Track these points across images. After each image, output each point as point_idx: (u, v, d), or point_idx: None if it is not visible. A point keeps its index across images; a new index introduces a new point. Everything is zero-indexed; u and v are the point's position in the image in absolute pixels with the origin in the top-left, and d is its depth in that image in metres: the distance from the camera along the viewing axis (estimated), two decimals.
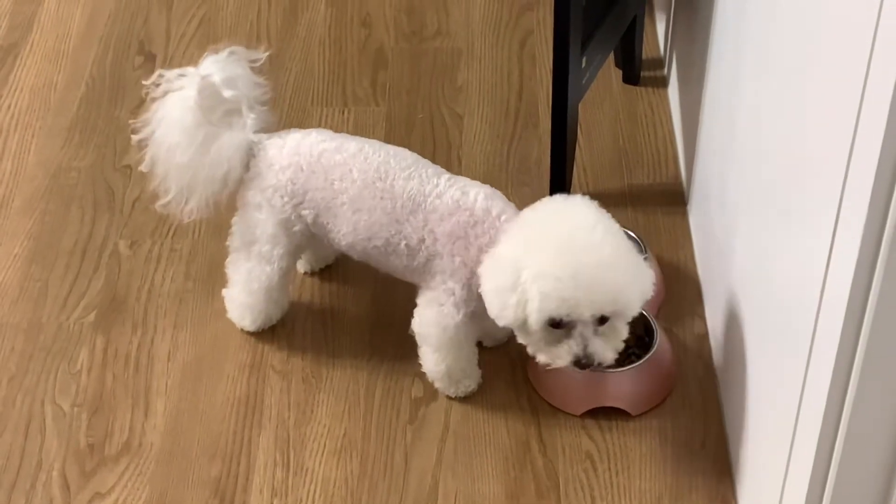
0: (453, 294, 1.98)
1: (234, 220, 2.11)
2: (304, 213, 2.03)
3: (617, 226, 1.91)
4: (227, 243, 2.14)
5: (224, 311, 2.22)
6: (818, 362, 1.53)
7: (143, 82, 2.08)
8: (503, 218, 1.94)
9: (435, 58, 2.78)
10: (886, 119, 1.26)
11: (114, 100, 2.69)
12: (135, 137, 2.08)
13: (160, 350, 2.20)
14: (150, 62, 2.77)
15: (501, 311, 1.87)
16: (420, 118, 2.62)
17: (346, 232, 2.02)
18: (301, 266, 2.30)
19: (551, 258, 1.82)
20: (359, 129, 2.58)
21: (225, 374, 2.16)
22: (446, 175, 2.00)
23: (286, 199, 2.03)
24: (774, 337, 1.77)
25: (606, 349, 1.87)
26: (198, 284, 2.30)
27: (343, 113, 2.64)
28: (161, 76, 2.05)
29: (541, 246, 1.84)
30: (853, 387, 1.47)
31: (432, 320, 2.02)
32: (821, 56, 1.52)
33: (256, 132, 2.06)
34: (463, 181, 1.99)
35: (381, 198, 1.98)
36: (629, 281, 1.86)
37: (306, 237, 2.08)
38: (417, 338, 2.07)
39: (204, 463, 2.03)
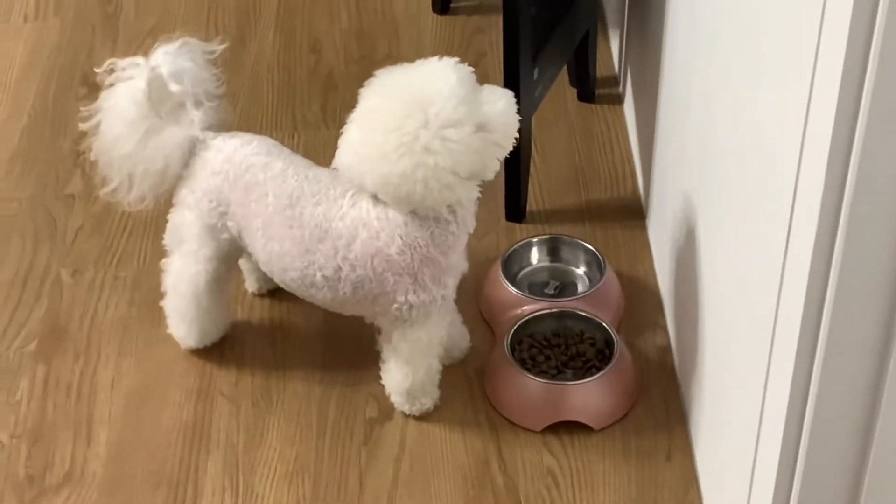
0: (411, 306, 1.89)
1: (169, 216, 2.04)
2: (230, 224, 1.96)
3: None
4: (163, 242, 2.07)
5: (170, 338, 2.14)
6: (777, 371, 1.49)
7: (96, 69, 2.02)
8: (390, 212, 1.85)
9: None
10: (833, 125, 1.25)
11: (57, 130, 2.62)
12: (82, 125, 2.01)
13: (103, 378, 2.11)
14: (94, 93, 2.69)
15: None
16: None
17: (264, 260, 1.95)
18: (249, 286, 2.23)
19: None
20: (309, 152, 2.49)
21: (171, 401, 2.08)
22: (351, 192, 1.89)
23: (213, 204, 1.96)
24: (734, 345, 1.74)
25: None
26: (142, 311, 2.22)
27: (293, 137, 2.59)
28: (112, 64, 1.99)
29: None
30: (812, 396, 1.43)
31: (401, 337, 1.94)
32: (768, 62, 1.51)
33: (205, 128, 1.99)
34: (363, 194, 1.87)
35: (291, 226, 1.89)
36: None
37: (235, 247, 2.00)
38: (385, 353, 1.99)
39: (149, 491, 1.94)
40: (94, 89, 2.70)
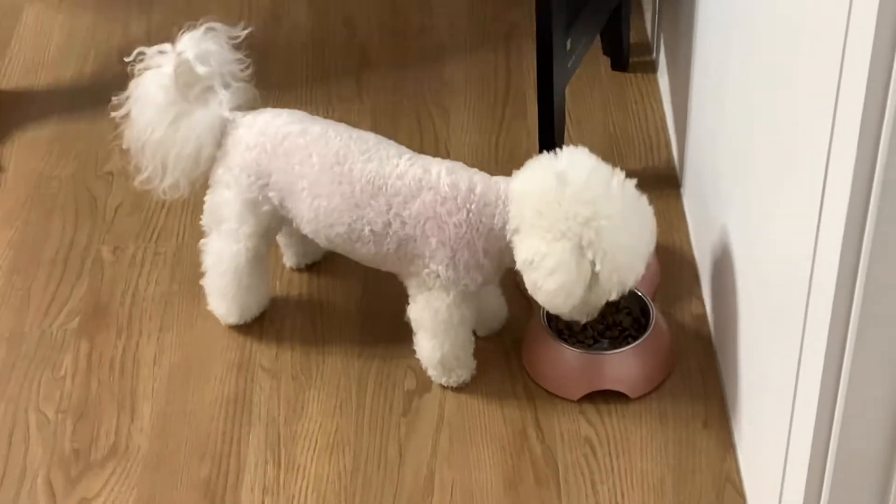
0: (438, 276, 1.93)
1: (206, 197, 2.07)
2: (271, 194, 1.99)
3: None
4: (201, 223, 2.10)
5: (211, 313, 2.17)
6: (812, 334, 1.50)
7: (125, 59, 2.04)
8: (478, 191, 1.89)
9: (419, 54, 2.74)
10: (865, 89, 1.26)
11: (95, 109, 2.65)
12: (113, 114, 2.04)
13: (146, 353, 2.14)
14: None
15: (566, 303, 1.84)
16: (406, 114, 2.57)
17: (309, 218, 1.98)
18: (288, 261, 2.25)
19: (620, 241, 1.81)
20: None
21: (213, 375, 2.10)
22: (407, 154, 1.95)
23: (252, 178, 1.99)
24: (770, 312, 1.74)
25: None
26: (183, 287, 2.25)
27: (327, 112, 2.60)
28: (141, 53, 2.02)
29: (610, 242, 1.80)
30: (848, 357, 1.44)
31: (423, 305, 1.97)
32: (803, 31, 1.51)
33: (234, 109, 2.02)
34: (424, 159, 1.95)
35: (339, 182, 1.93)
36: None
37: (276, 219, 2.03)
38: (413, 324, 2.02)
39: (193, 464, 1.97)
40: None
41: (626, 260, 1.83)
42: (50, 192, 2.46)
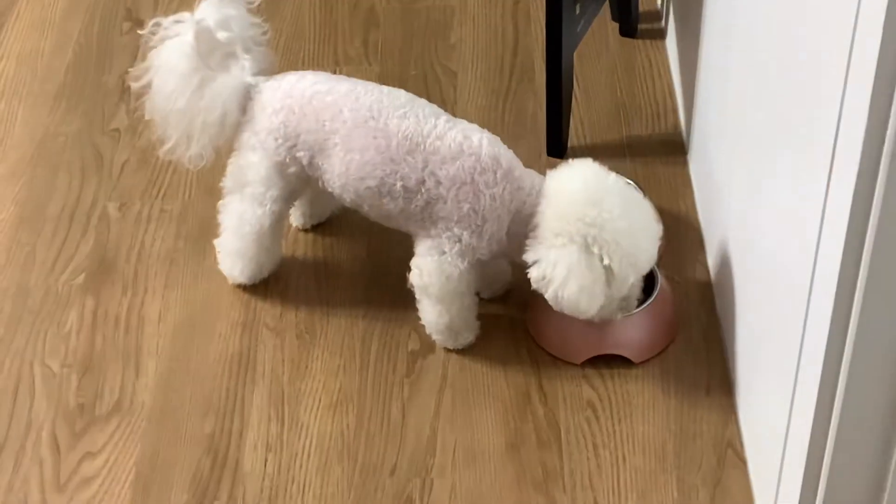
0: (459, 241, 1.93)
1: (230, 161, 2.07)
2: (299, 155, 1.99)
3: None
4: (222, 184, 2.10)
5: (216, 271, 2.18)
6: (818, 302, 1.50)
7: (139, 31, 2.05)
8: (516, 174, 1.93)
9: (427, 16, 2.74)
10: (878, 53, 1.26)
11: (101, 66, 2.64)
12: (133, 86, 2.05)
13: (151, 310, 2.15)
14: (138, 27, 2.70)
15: (591, 305, 1.89)
16: (413, 75, 2.58)
17: (340, 172, 1.98)
18: (294, 220, 2.25)
19: (621, 228, 1.86)
20: None
21: (217, 333, 2.11)
22: (445, 116, 1.97)
23: (280, 141, 1.99)
24: (775, 279, 1.74)
25: None
26: (189, 244, 2.25)
27: (335, 73, 2.58)
28: (157, 24, 2.02)
29: (611, 230, 1.85)
30: (853, 324, 1.44)
31: (434, 269, 1.97)
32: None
33: (255, 74, 2.03)
34: (462, 124, 1.97)
35: (374, 137, 1.94)
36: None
37: (302, 180, 2.04)
38: (417, 290, 2.02)
39: (196, 420, 1.98)
40: (137, 24, 2.74)
41: (631, 242, 1.87)
42: (56, 149, 2.46)
